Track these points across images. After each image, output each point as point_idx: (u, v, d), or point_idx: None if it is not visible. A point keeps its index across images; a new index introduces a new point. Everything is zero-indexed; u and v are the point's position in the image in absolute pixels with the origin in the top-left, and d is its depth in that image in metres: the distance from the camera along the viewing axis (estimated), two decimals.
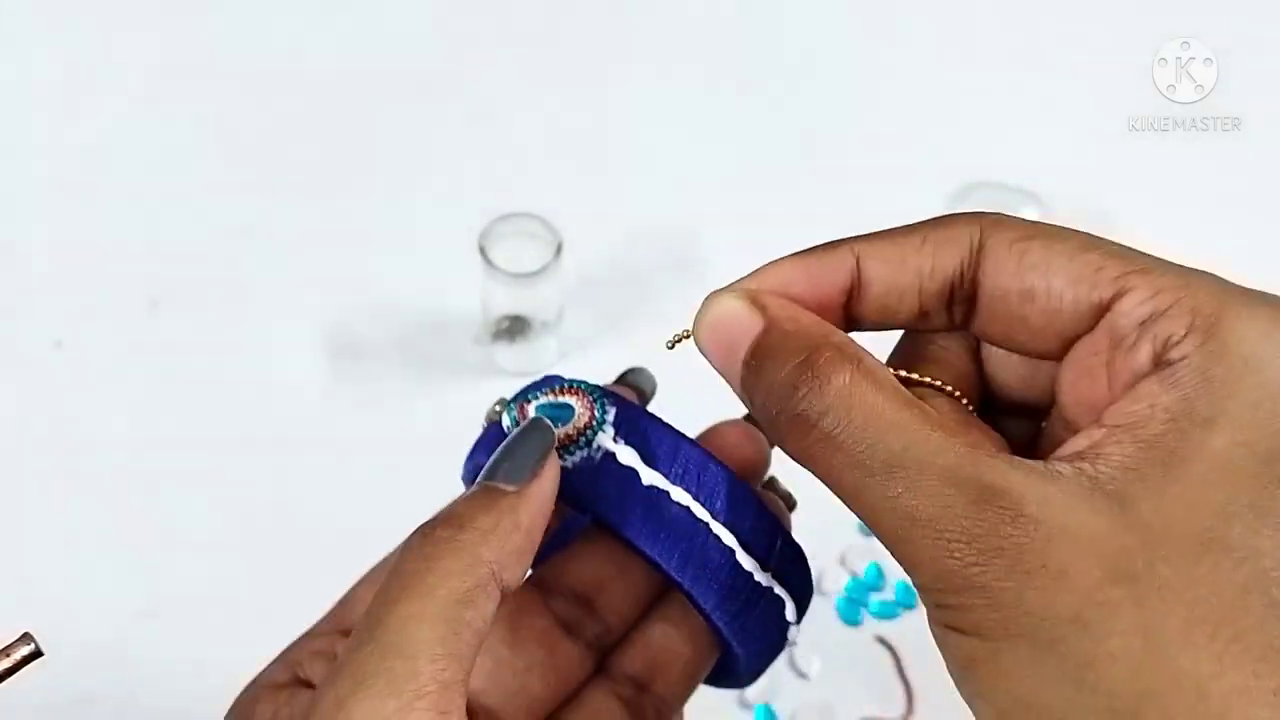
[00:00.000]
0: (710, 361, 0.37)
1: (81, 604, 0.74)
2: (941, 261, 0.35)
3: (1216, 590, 0.30)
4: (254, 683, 0.39)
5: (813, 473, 0.33)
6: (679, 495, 0.39)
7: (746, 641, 0.40)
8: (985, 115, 0.95)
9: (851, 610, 0.75)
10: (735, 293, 0.36)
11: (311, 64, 0.96)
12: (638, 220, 0.89)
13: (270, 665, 0.39)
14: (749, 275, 0.37)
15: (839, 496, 0.33)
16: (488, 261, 0.77)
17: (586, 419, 0.40)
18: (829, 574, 0.76)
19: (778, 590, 0.39)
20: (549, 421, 0.38)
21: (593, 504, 0.39)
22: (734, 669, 0.42)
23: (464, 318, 0.83)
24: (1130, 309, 0.33)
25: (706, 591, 0.38)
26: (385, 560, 0.42)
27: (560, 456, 0.39)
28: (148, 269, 0.87)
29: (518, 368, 0.83)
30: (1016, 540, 0.30)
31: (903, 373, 0.36)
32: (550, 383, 0.41)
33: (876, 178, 0.92)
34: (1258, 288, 0.34)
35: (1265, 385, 0.31)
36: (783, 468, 0.39)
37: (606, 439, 0.39)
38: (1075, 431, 0.33)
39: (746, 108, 0.95)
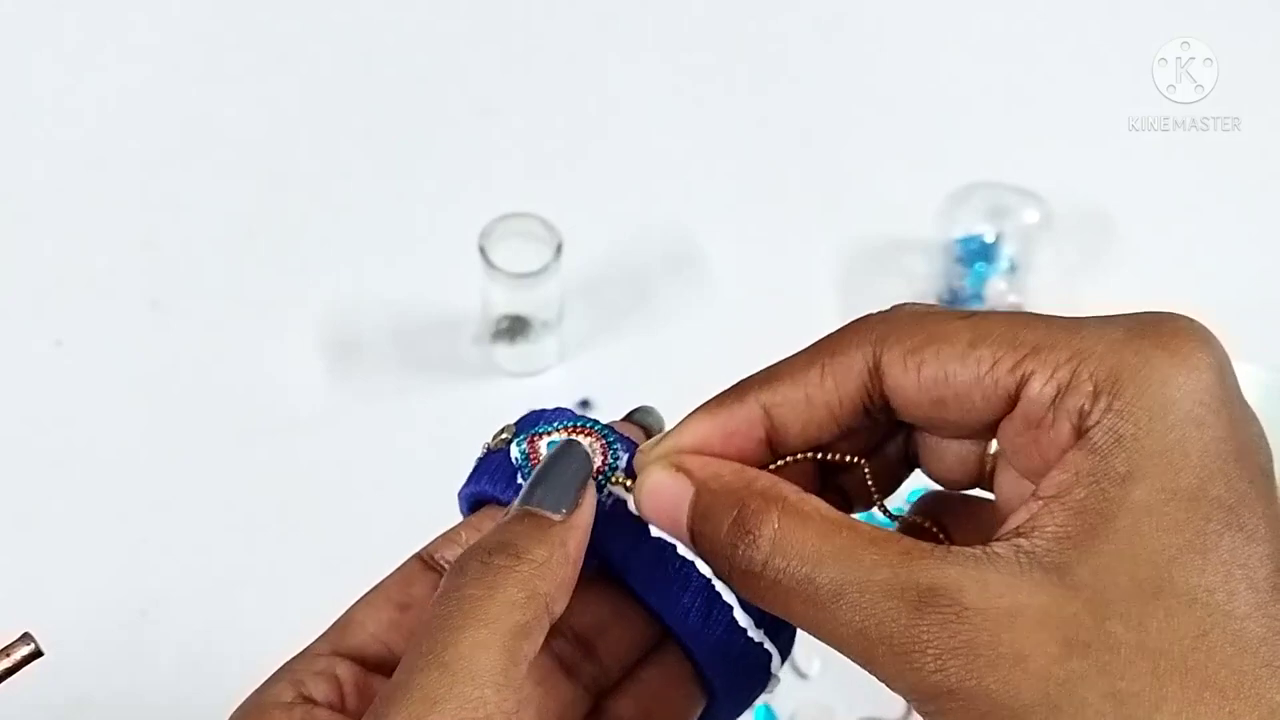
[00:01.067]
0: (660, 530, 0.38)
1: (81, 604, 0.74)
2: (846, 390, 0.36)
3: (1175, 638, 0.30)
4: (256, 701, 0.39)
5: (776, 615, 0.35)
6: (685, 552, 0.39)
7: (733, 692, 0.41)
8: (985, 115, 0.95)
9: None
10: (660, 463, 0.37)
11: (311, 64, 0.96)
12: (638, 220, 0.89)
13: (270, 683, 0.39)
14: (670, 432, 0.38)
15: (805, 630, 0.34)
16: (488, 261, 0.77)
17: (599, 463, 0.40)
18: None
19: (767, 645, 0.40)
20: (585, 447, 0.39)
21: (601, 549, 0.39)
22: (714, 713, 0.42)
23: (464, 318, 0.83)
24: (1036, 393, 0.33)
25: (703, 644, 0.39)
26: (383, 583, 0.41)
27: None
28: (148, 269, 0.87)
29: (518, 368, 0.83)
30: (965, 636, 0.31)
31: (822, 455, 0.38)
32: (561, 418, 0.41)
33: (876, 178, 0.92)
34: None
35: (1172, 429, 0.32)
36: None
37: (619, 486, 0.40)
38: (1026, 486, 0.34)
39: (746, 108, 0.95)
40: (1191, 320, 0.34)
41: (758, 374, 0.38)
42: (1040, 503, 0.33)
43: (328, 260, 0.87)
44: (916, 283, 0.87)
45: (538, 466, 0.38)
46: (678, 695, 0.41)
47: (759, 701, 0.71)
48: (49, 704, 0.69)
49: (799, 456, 0.38)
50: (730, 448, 0.37)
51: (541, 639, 0.35)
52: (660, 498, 0.37)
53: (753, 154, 0.93)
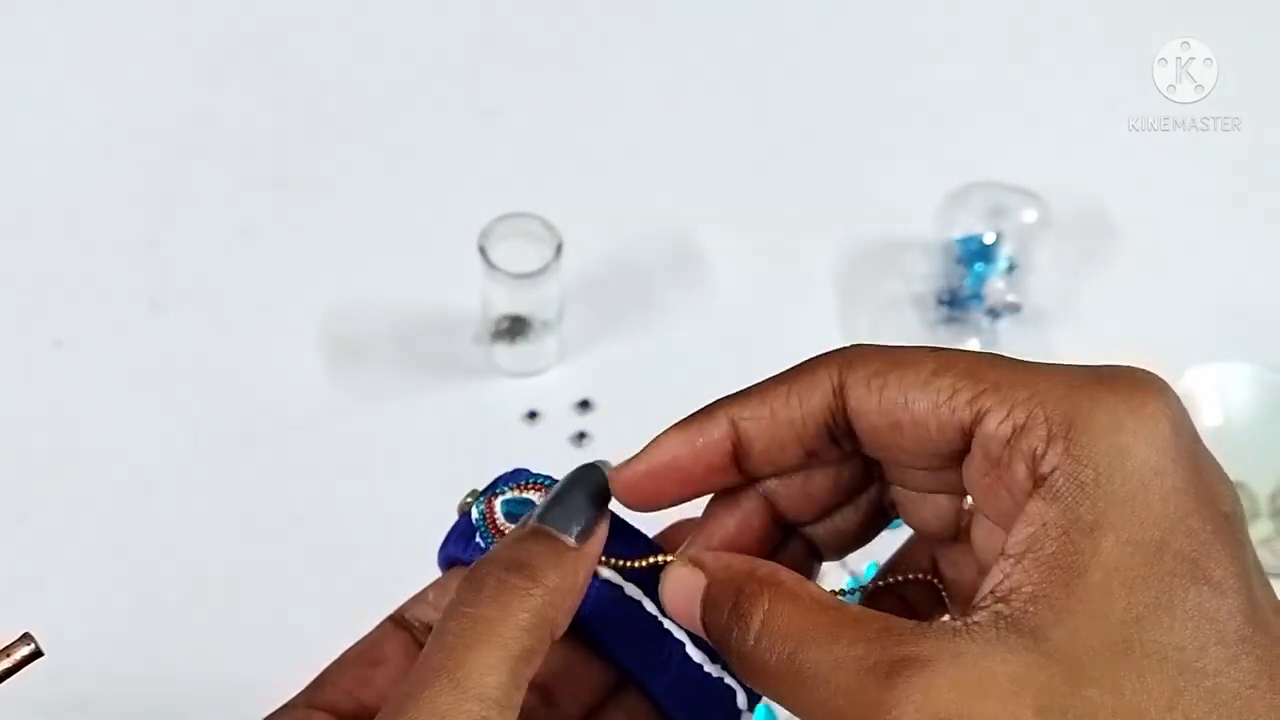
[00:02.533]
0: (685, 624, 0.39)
1: (81, 604, 0.74)
2: (810, 409, 0.37)
3: (1150, 700, 0.30)
4: None
5: (777, 701, 0.35)
6: (632, 590, 0.40)
7: None
8: (985, 115, 0.95)
9: None
10: (682, 559, 0.39)
11: (311, 64, 0.96)
12: (638, 220, 0.89)
13: None
14: (638, 454, 0.39)
15: (794, 714, 0.35)
16: (488, 261, 0.77)
17: None
18: (830, 575, 0.76)
19: (728, 680, 0.41)
20: (603, 471, 0.40)
21: None
22: None
23: (464, 318, 0.83)
24: (993, 431, 0.34)
25: (659, 683, 0.40)
26: (356, 644, 0.42)
27: None
28: (148, 269, 0.87)
29: (518, 368, 0.83)
30: (935, 708, 0.31)
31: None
32: (517, 477, 0.42)
33: (876, 177, 0.92)
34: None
35: (1132, 476, 0.32)
36: None
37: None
38: (1000, 533, 0.35)
39: (746, 108, 0.95)
40: (1147, 372, 0.34)
41: (728, 395, 0.39)
42: (1012, 560, 0.33)
43: (328, 260, 0.87)
44: (916, 283, 0.87)
45: (558, 485, 0.39)
46: None
47: (767, 700, 0.71)
48: (49, 704, 0.69)
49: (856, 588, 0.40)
50: (699, 463, 0.38)
51: (539, 663, 0.36)
52: (679, 593, 0.38)
53: (753, 154, 0.93)
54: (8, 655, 0.39)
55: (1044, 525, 0.32)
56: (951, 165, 0.88)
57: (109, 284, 0.86)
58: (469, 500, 0.42)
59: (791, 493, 0.40)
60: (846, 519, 0.41)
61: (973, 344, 0.82)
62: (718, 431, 0.38)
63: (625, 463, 0.40)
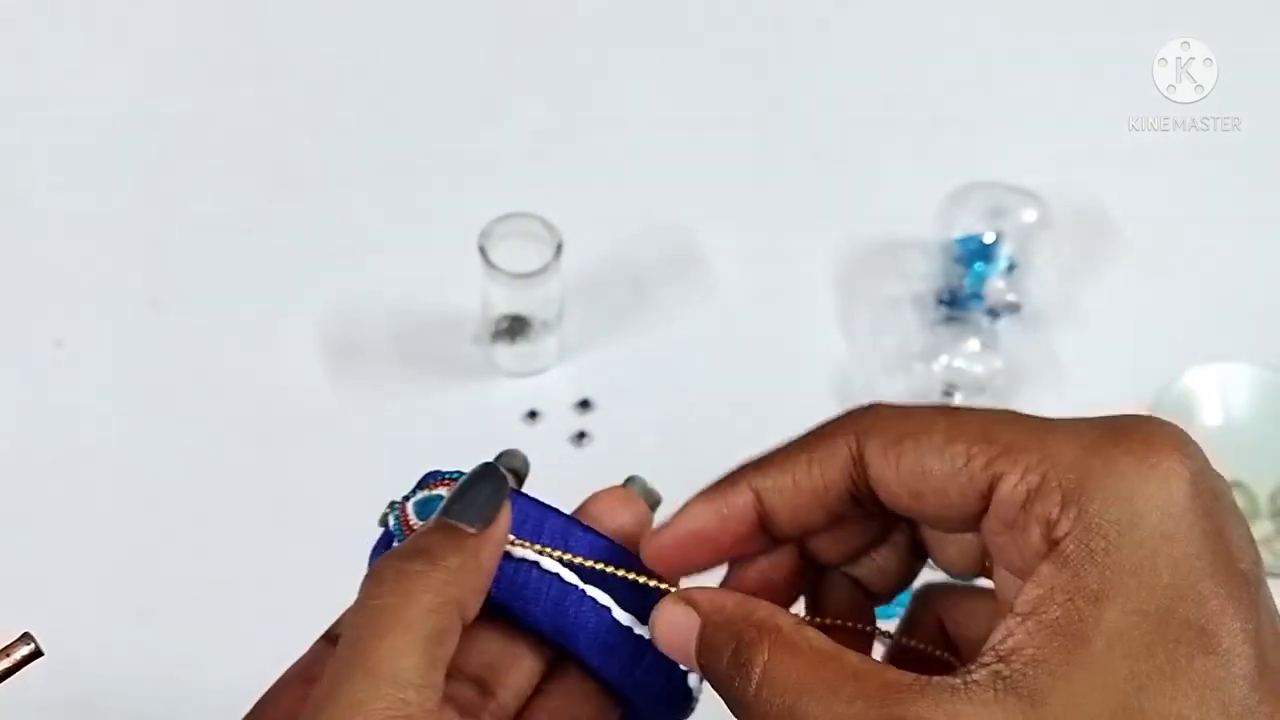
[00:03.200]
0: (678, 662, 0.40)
1: (81, 604, 0.74)
2: (831, 478, 0.38)
3: None
4: None
5: None
6: (549, 565, 0.41)
7: (642, 695, 0.42)
8: (985, 115, 0.95)
9: None
10: (672, 597, 0.39)
11: (311, 64, 0.96)
12: (638, 220, 0.89)
13: None
14: (665, 525, 0.40)
15: None
16: (488, 261, 0.77)
17: None
18: None
19: None
20: (503, 470, 0.41)
21: None
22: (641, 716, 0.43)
23: (464, 318, 0.83)
24: (1008, 495, 0.34)
25: (590, 652, 0.41)
26: (293, 665, 0.42)
27: None
28: (148, 269, 0.87)
29: (518, 368, 0.83)
30: None
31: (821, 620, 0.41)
32: (428, 480, 0.43)
33: (876, 177, 0.92)
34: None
35: (1142, 545, 0.32)
36: None
37: None
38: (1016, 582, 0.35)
39: (746, 108, 0.95)
40: (1164, 424, 0.34)
41: (750, 461, 0.40)
42: (1018, 619, 0.33)
43: (328, 260, 0.87)
44: (915, 283, 0.87)
45: (459, 483, 0.40)
46: (585, 709, 0.41)
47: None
48: (49, 704, 0.69)
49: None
50: (725, 532, 0.39)
51: (455, 643, 0.37)
52: (672, 631, 0.39)
53: (753, 154, 0.93)
54: (8, 655, 0.39)
55: (1052, 589, 0.33)
56: (951, 165, 0.88)
57: (109, 284, 0.86)
58: (386, 511, 0.43)
59: (820, 540, 0.40)
60: (886, 559, 0.41)
61: (973, 344, 0.82)
62: (741, 500, 0.39)
63: (654, 532, 0.41)
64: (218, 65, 0.96)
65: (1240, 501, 0.80)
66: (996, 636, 0.33)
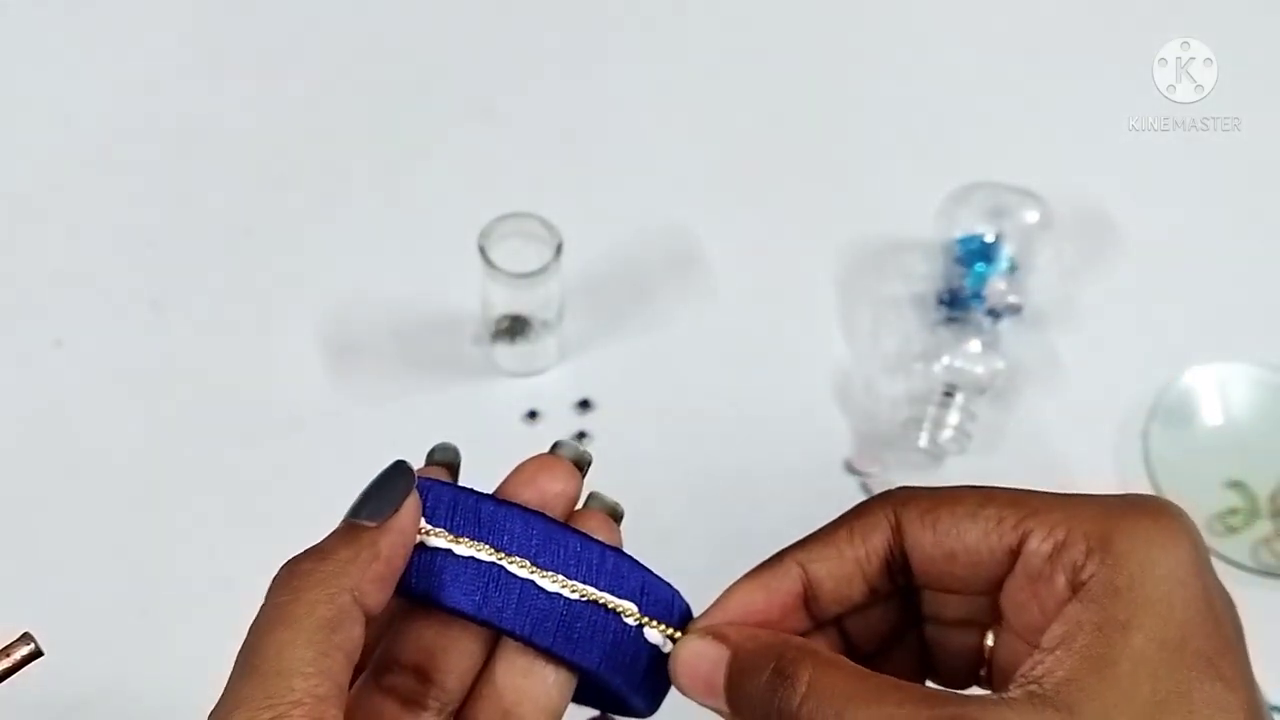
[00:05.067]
0: (694, 698, 0.42)
1: (81, 604, 0.74)
2: (872, 545, 0.41)
3: None
4: None
5: None
6: (462, 550, 0.41)
7: (586, 657, 0.42)
8: (985, 115, 0.95)
9: None
10: (697, 633, 0.42)
11: (311, 64, 0.96)
12: (638, 220, 0.89)
13: None
14: (714, 605, 0.43)
15: None
16: (488, 261, 0.77)
17: None
18: None
19: (605, 601, 0.42)
20: (409, 463, 0.42)
21: (404, 583, 0.41)
22: (614, 691, 0.43)
23: (464, 318, 0.83)
24: (1036, 548, 0.39)
25: (519, 625, 0.41)
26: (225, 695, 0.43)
27: None
28: (148, 269, 0.87)
29: (518, 368, 0.83)
30: None
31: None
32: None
33: (877, 177, 0.92)
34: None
35: (1161, 583, 0.36)
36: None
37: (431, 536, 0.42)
38: (1028, 646, 0.38)
39: (746, 108, 0.95)
40: (1170, 502, 0.39)
41: (792, 544, 0.43)
42: (1045, 652, 0.36)
43: (328, 260, 0.87)
44: (916, 283, 0.87)
45: (366, 484, 0.41)
46: (530, 682, 0.42)
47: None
48: (49, 704, 0.69)
49: None
50: (773, 608, 0.42)
51: (356, 629, 0.38)
52: (695, 665, 0.41)
53: (753, 154, 0.93)
54: (8, 655, 0.39)
55: (1079, 624, 0.36)
56: (951, 165, 0.88)
57: (109, 284, 0.86)
58: None
59: (831, 571, 0.42)
60: (878, 620, 0.44)
61: (973, 344, 0.82)
62: (790, 575, 0.42)
63: (704, 614, 0.43)
64: (218, 65, 0.96)
65: (1240, 501, 0.80)
66: (1025, 668, 0.36)
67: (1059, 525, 0.38)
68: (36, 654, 0.39)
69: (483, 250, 0.77)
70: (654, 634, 0.42)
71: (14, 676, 0.39)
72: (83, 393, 0.82)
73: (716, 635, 0.41)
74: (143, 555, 0.76)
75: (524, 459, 0.45)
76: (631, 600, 0.42)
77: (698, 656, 0.41)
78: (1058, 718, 0.35)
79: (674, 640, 0.43)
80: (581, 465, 0.44)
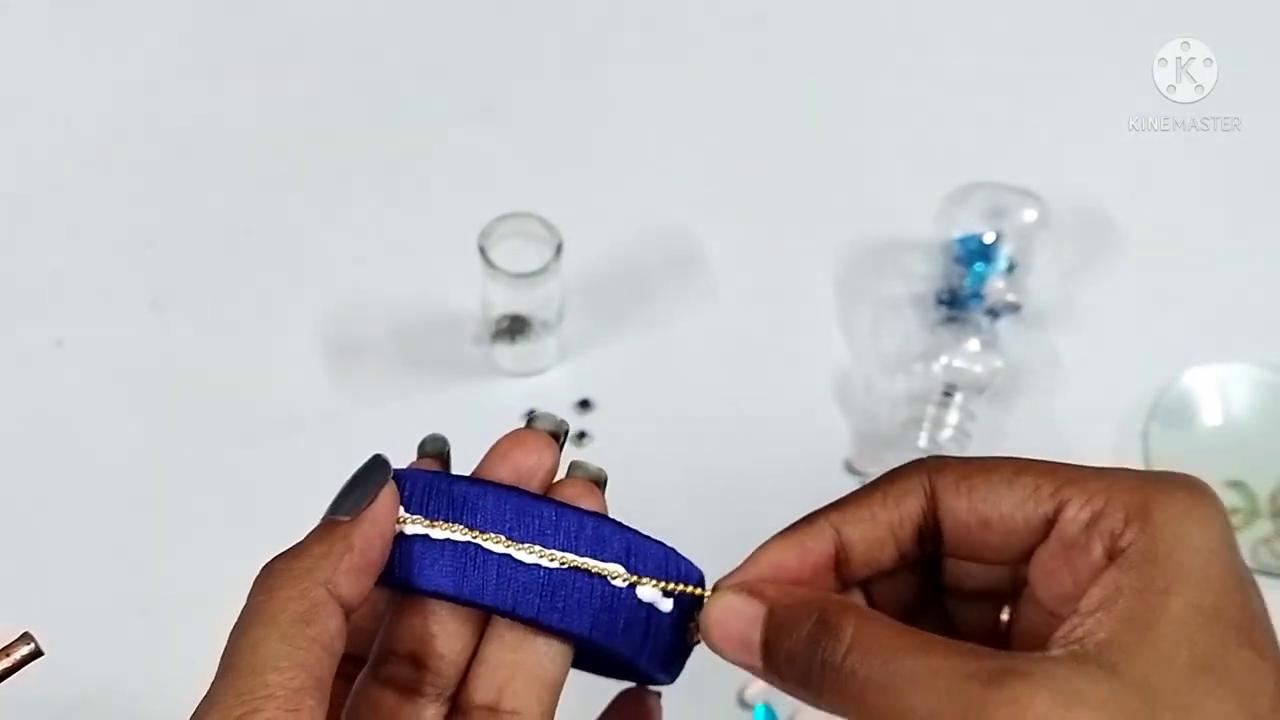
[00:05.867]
0: (725, 656, 0.42)
1: (81, 604, 0.74)
2: (906, 510, 0.41)
3: None
4: None
5: (845, 714, 0.38)
6: (441, 532, 0.41)
7: (575, 623, 0.41)
8: (985, 115, 0.95)
9: None
10: (731, 588, 0.41)
11: (311, 64, 0.96)
12: (638, 220, 0.89)
13: None
14: (745, 563, 0.42)
15: None
16: (488, 261, 0.77)
17: None
18: None
19: (587, 566, 0.41)
20: (385, 456, 0.42)
21: (388, 573, 0.41)
22: (620, 657, 0.43)
23: (464, 318, 0.84)
24: (1074, 516, 0.39)
25: (502, 600, 0.41)
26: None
27: None
28: (148, 269, 0.87)
29: (518, 368, 0.83)
30: (1036, 712, 0.34)
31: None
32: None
33: (876, 177, 0.92)
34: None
35: (1198, 553, 0.37)
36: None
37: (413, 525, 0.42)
38: (1051, 618, 0.39)
39: (746, 108, 0.95)
40: (1202, 480, 0.39)
41: (825, 506, 0.42)
42: (1084, 615, 0.37)
43: (328, 260, 0.87)
44: (916, 283, 0.87)
45: (345, 481, 0.42)
46: (523, 655, 0.42)
47: (767, 700, 0.71)
48: (49, 704, 0.69)
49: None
50: (805, 565, 0.41)
51: (334, 622, 0.38)
52: (728, 622, 0.41)
53: (752, 154, 0.93)
54: (8, 655, 0.39)
55: (1119, 588, 0.37)
56: (951, 165, 0.88)
57: (109, 284, 0.86)
58: None
59: (864, 533, 0.42)
60: (903, 589, 0.44)
61: (973, 344, 0.82)
62: (824, 536, 0.42)
63: (735, 571, 0.42)
64: (218, 65, 0.96)
65: (1240, 501, 0.80)
66: (1063, 630, 0.37)
67: (1097, 494, 0.38)
68: (36, 654, 0.39)
69: (483, 250, 0.77)
70: (648, 592, 0.42)
71: (14, 676, 0.39)
72: (82, 393, 0.82)
73: (752, 591, 0.41)
74: (143, 555, 0.76)
75: (501, 436, 0.44)
76: (617, 562, 0.42)
77: (732, 613, 0.41)
78: (1101, 675, 0.35)
79: (671, 596, 0.42)
80: (558, 436, 0.44)
